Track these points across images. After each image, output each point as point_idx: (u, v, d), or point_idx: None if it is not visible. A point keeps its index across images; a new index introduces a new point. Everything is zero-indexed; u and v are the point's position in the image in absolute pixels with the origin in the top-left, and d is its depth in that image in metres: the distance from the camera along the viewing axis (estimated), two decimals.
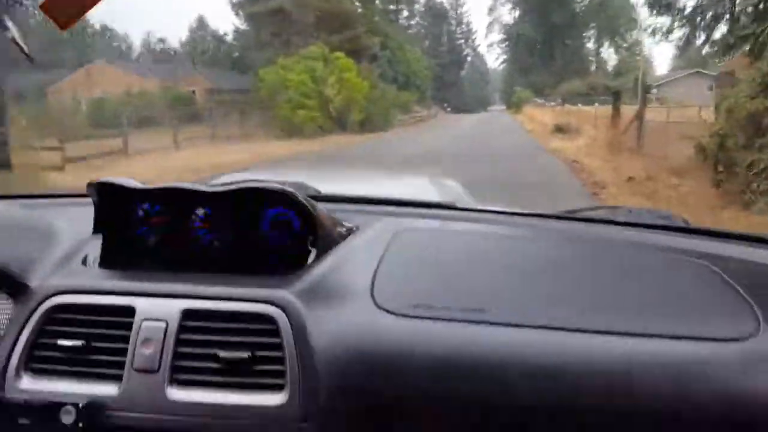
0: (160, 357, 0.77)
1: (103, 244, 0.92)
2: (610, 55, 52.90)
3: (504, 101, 58.34)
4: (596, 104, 22.45)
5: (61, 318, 0.82)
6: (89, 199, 0.94)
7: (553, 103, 30.67)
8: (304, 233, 0.93)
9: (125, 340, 0.78)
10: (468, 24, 61.82)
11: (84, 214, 0.98)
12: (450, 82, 56.35)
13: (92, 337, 0.80)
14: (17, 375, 0.79)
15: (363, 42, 29.16)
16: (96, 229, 0.95)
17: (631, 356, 0.72)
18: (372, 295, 0.80)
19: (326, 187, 1.48)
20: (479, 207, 1.33)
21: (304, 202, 0.90)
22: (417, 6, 56.67)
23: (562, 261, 0.94)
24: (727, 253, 1.02)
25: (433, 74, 49.24)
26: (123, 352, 0.78)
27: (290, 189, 0.92)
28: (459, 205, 1.29)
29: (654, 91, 30.06)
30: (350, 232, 1.02)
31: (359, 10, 33.82)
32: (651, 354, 0.72)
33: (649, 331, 0.74)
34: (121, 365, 0.77)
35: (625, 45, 50.83)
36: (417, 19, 57.26)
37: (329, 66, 21.92)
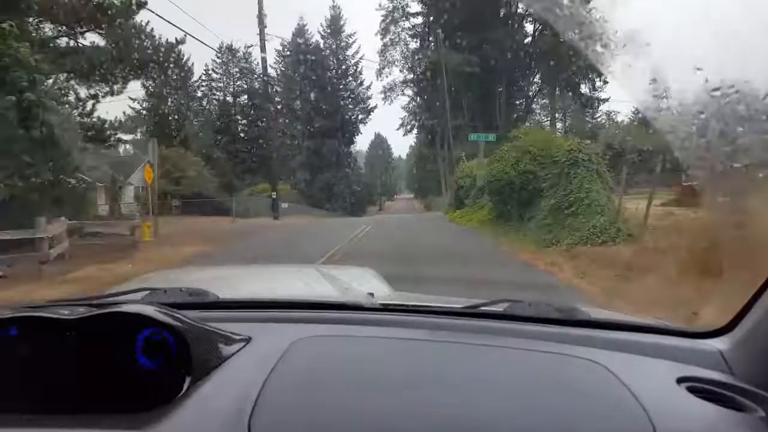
0: None
1: None
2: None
3: (412, 187, 36.71)
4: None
5: None
6: None
7: None
8: (180, 356, 0.88)
9: None
10: (358, 70, 38.41)
11: None
12: (322, 164, 34.18)
13: None
14: None
15: None
16: None
17: None
18: (249, 428, 0.76)
19: (229, 290, 1.43)
20: (390, 303, 1.32)
21: (174, 322, 0.86)
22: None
23: (461, 374, 0.93)
24: (621, 347, 1.05)
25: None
26: None
27: (155, 309, 0.88)
28: (366, 304, 1.27)
29: None
30: (240, 346, 0.98)
31: None
32: None
33: None
34: None
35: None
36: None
37: None
